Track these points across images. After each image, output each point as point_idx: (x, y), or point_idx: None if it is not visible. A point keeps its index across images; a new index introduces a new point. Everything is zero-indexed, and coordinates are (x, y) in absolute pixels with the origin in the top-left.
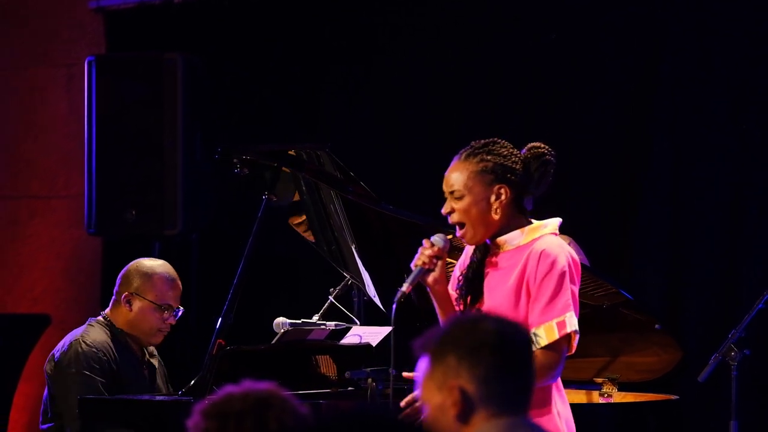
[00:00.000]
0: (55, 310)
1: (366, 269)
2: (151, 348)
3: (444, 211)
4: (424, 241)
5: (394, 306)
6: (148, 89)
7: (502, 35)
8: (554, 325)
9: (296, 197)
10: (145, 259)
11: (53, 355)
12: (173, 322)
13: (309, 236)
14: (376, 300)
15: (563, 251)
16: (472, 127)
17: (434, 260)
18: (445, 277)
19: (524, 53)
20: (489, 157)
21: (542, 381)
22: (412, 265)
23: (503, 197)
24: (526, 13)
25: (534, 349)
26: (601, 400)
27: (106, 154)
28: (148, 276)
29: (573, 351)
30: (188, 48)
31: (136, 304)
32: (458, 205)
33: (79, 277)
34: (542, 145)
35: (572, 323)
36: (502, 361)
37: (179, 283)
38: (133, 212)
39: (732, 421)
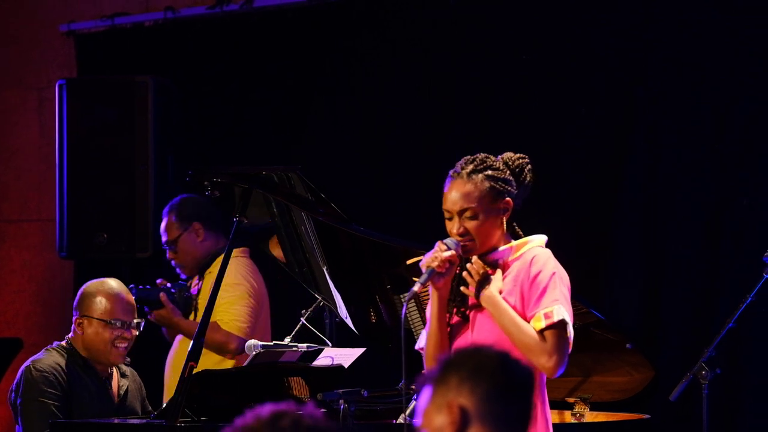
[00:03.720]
0: (27, 333)
1: (337, 290)
2: (124, 368)
3: (457, 231)
4: (439, 243)
5: (405, 306)
6: (120, 112)
7: (486, 55)
8: (541, 315)
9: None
10: (92, 281)
11: (12, 386)
12: (129, 336)
13: (281, 257)
14: (348, 321)
15: (552, 258)
16: (457, 143)
17: (447, 264)
18: (451, 281)
19: (504, 74)
20: (491, 173)
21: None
22: (422, 266)
23: (509, 209)
24: (510, 32)
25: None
26: (573, 420)
27: (78, 178)
28: (91, 295)
29: (570, 337)
30: (160, 70)
31: (86, 326)
32: (473, 224)
33: (51, 300)
34: (519, 154)
35: (560, 313)
36: (504, 384)
37: (127, 296)
38: (105, 235)
39: None
